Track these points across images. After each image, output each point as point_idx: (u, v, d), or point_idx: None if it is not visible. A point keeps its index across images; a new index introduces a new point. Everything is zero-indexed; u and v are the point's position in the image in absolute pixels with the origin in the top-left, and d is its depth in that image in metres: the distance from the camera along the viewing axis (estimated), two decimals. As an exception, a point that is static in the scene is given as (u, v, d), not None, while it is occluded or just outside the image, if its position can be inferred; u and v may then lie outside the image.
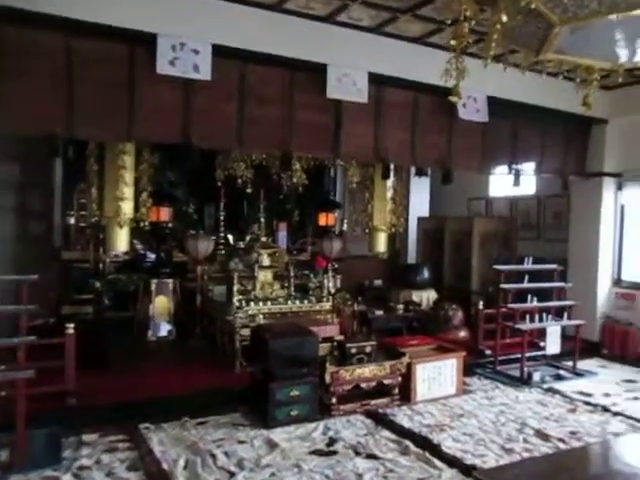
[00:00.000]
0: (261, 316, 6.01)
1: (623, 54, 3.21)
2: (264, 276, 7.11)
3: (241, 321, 5.84)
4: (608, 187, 7.43)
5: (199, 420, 4.62)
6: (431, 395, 5.32)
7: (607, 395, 5.52)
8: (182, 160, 4.92)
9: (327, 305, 6.89)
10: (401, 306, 7.62)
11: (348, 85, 5.37)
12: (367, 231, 8.03)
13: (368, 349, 5.07)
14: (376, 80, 5.64)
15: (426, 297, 8.02)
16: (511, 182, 7.00)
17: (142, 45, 4.60)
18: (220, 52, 4.83)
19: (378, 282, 9.72)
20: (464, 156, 6.37)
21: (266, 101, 5.22)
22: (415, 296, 7.92)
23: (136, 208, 6.88)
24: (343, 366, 4.91)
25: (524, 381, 5.89)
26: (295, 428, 4.52)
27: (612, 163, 7.38)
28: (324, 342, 5.79)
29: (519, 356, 6.10)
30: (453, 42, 3.24)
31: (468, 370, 6.24)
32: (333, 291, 7.06)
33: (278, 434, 4.40)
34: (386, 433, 4.48)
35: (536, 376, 5.94)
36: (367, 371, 5.00)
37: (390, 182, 7.91)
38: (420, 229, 10.21)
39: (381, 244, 8.22)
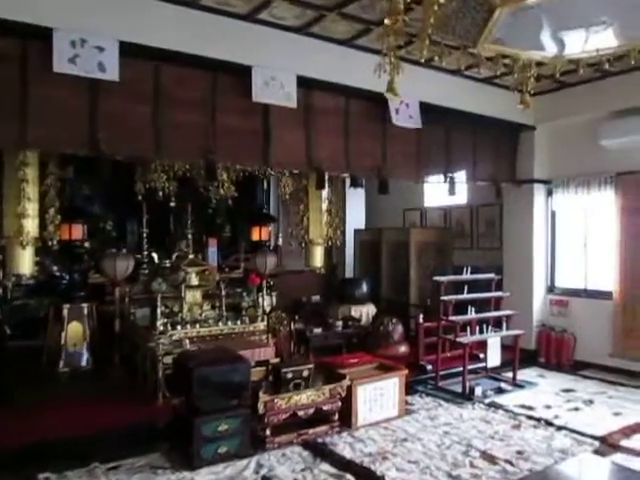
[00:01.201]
0: (187, 341, 5.48)
1: (559, 45, 3.02)
2: (192, 296, 6.59)
3: (164, 347, 5.28)
4: (539, 194, 7.45)
5: (111, 465, 4.04)
6: (373, 418, 4.98)
7: (548, 407, 5.38)
8: (93, 172, 4.34)
9: (262, 325, 6.45)
10: (340, 322, 7.29)
11: (275, 89, 5.01)
12: (302, 245, 7.65)
13: (305, 373, 4.66)
14: (305, 84, 5.32)
15: (365, 312, 7.73)
16: (446, 191, 6.86)
17: (37, 41, 4.05)
18: (130, 50, 4.36)
19: (316, 298, 9.33)
20: (399, 164, 6.16)
21: (185, 105, 4.77)
22: (354, 311, 7.61)
23: (43, 226, 6.22)
24: (278, 393, 4.48)
25: (466, 396, 5.67)
26: (224, 467, 4.03)
27: (542, 170, 7.41)
28: (258, 366, 5.40)
29: (460, 370, 5.89)
30: (387, 21, 2.90)
31: (409, 388, 5.96)
32: (268, 310, 6.63)
33: (204, 476, 3.90)
34: (325, 466, 4.08)
35: (478, 390, 5.74)
36: (305, 397, 4.59)
37: (325, 193, 7.60)
38: (357, 241, 9.98)
39: (317, 258, 7.85)
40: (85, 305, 6.45)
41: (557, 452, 4.28)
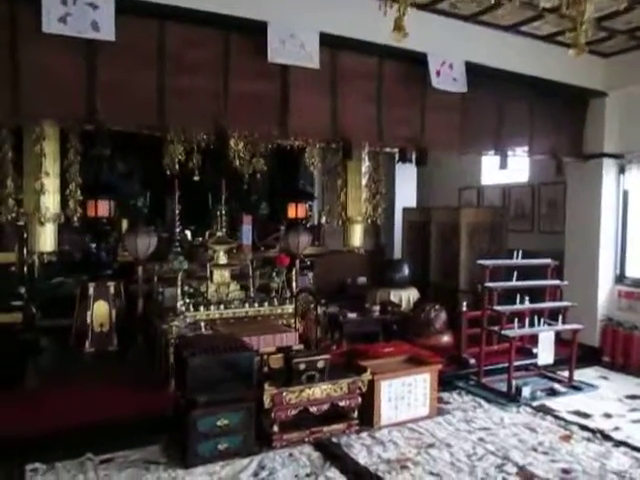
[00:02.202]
0: (202, 324, 5.13)
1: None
2: (220, 276, 6.25)
3: (178, 330, 4.97)
4: (609, 170, 6.49)
5: (105, 456, 3.76)
6: (398, 418, 4.45)
7: (608, 416, 4.63)
8: (92, 143, 4.02)
9: (291, 308, 6.03)
10: (377, 307, 6.75)
11: (295, 48, 4.48)
12: (339, 223, 7.14)
13: (320, 364, 4.19)
14: (330, 43, 4.74)
15: (406, 297, 7.13)
16: (506, 167, 6.09)
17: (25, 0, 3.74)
18: (129, 7, 3.97)
19: (362, 280, 8.83)
20: (441, 133, 5.47)
21: (194, 69, 4.34)
22: (393, 296, 7.03)
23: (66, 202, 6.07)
24: (288, 386, 4.04)
25: (511, 397, 5.01)
26: (221, 467, 3.66)
27: (613, 143, 6.42)
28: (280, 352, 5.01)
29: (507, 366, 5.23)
30: None
31: (448, 384, 5.39)
32: (296, 292, 6.18)
33: (197, 476, 3.55)
34: (334, 473, 3.62)
35: (525, 391, 5.05)
36: (318, 391, 4.12)
37: (365, 167, 7.03)
38: (405, 221, 9.33)
39: (357, 237, 7.31)
40: (112, 284, 6.28)
41: (612, 474, 3.59)
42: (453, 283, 7.89)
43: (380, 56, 5.07)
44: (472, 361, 5.67)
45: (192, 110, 4.36)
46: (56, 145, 5.50)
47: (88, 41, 3.94)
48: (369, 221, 7.11)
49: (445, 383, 5.37)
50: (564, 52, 5.83)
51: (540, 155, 6.27)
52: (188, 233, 7.37)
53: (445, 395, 5.12)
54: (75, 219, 5.75)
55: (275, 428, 3.97)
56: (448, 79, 5.22)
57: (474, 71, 5.34)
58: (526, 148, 6.03)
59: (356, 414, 4.29)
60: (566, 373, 5.52)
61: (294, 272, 6.29)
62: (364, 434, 4.21)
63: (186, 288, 5.95)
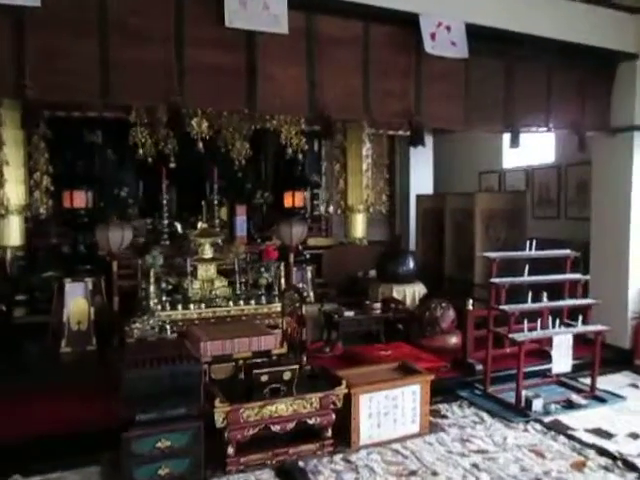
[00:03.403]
0: (168, 326, 4.64)
1: None
2: (205, 271, 5.77)
3: (140, 332, 4.49)
4: (641, 145, 5.64)
5: (35, 479, 3.31)
6: (382, 437, 3.84)
7: (635, 437, 3.89)
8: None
9: (279, 307, 5.49)
10: (378, 305, 6.13)
11: (257, 9, 3.88)
12: (339, 212, 6.55)
13: (287, 375, 3.62)
14: (305, 4, 4.13)
15: (411, 293, 6.48)
16: (517, 145, 5.34)
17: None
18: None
19: (374, 273, 8.20)
20: (440, 107, 4.78)
21: (141, 37, 3.79)
22: (396, 292, 6.39)
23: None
24: (246, 402, 3.49)
25: (520, 411, 4.32)
26: (161, 496, 3.15)
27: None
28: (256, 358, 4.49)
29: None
30: None
31: (450, 393, 4.75)
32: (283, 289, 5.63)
33: (128, 509, 3.04)
34: (289, 507, 3.06)
35: (537, 403, 4.35)
36: (283, 407, 3.56)
37: (365, 150, 6.40)
38: (419, 209, 8.63)
39: (359, 228, 6.76)
40: (89, 280, 5.88)
41: (630, 519, 2.91)
42: (468, 276, 7.19)
43: (365, 19, 4.41)
44: (479, 367, 5.00)
45: (140, 85, 3.81)
46: (18, 132, 5.10)
47: (15, 10, 3.45)
48: (371, 210, 6.47)
49: (447, 392, 4.75)
50: (587, 8, 5.12)
51: (559, 130, 5.48)
52: (178, 225, 6.89)
53: (444, 407, 4.48)
54: (42, 211, 5.36)
55: (230, 450, 3.43)
56: (445, 43, 4.52)
57: (477, 34, 4.62)
58: (542, 122, 5.25)
59: (330, 433, 3.70)
60: (589, 380, 4.79)
61: (283, 267, 5.73)
62: (338, 457, 3.63)
63: (164, 285, 5.50)
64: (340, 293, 7.75)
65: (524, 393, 4.45)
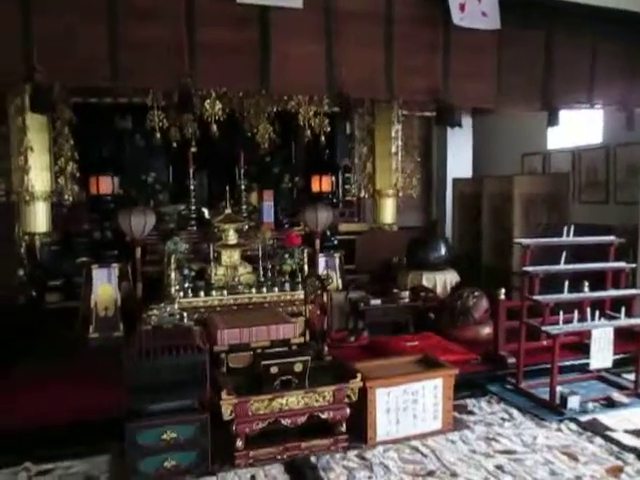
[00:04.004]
0: (185, 313, 4.55)
1: None
2: (229, 257, 5.68)
3: (157, 319, 4.42)
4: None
5: (46, 467, 3.30)
6: (400, 433, 3.64)
7: (681, 441, 3.56)
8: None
9: (302, 294, 5.35)
10: (406, 293, 5.89)
11: (270, -18, 3.68)
12: (366, 196, 6.32)
13: (298, 367, 3.47)
14: (321, -24, 3.90)
15: (442, 281, 6.20)
16: (556, 124, 4.96)
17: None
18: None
19: (409, 259, 7.95)
20: (470, 84, 4.45)
21: (151, 16, 3.65)
22: (426, 280, 6.12)
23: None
24: (257, 393, 3.37)
25: (553, 408, 4.03)
26: (167, 489, 3.08)
27: None
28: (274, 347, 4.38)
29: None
30: None
31: (479, 387, 4.49)
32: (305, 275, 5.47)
33: (132, 501, 2.98)
34: (295, 506, 2.92)
35: (573, 401, 4.04)
36: (294, 400, 3.41)
37: (394, 131, 6.12)
38: (455, 194, 8.29)
39: (388, 213, 6.48)
40: (116, 266, 5.90)
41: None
42: (506, 264, 6.84)
43: (388, -10, 4.14)
44: (511, 360, 4.70)
45: (150, 67, 3.69)
46: (43, 118, 5.10)
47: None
48: (400, 194, 6.21)
49: (475, 386, 4.50)
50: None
51: (604, 107, 5.05)
52: (205, 211, 6.82)
53: (471, 403, 4.24)
54: (66, 197, 5.38)
55: (239, 443, 3.31)
56: (475, 14, 4.20)
57: (512, 3, 4.27)
58: (585, 98, 4.84)
59: (344, 428, 3.53)
60: (632, 376, 4.43)
61: (306, 253, 5.57)
62: (352, 453, 3.46)
63: (186, 271, 5.44)
64: (373, 280, 7.56)
65: (559, 389, 4.15)
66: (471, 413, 4.06)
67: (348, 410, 3.51)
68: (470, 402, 4.24)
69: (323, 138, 5.49)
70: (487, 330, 5.46)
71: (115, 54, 3.61)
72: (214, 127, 5.05)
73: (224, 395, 3.23)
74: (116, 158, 6.53)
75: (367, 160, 6.09)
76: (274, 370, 3.40)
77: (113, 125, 7.26)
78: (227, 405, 3.24)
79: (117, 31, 3.60)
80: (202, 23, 3.74)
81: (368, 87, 4.24)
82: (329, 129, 5.42)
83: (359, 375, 3.51)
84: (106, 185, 5.88)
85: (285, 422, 3.38)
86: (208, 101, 4.63)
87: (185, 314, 4.53)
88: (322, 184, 6.55)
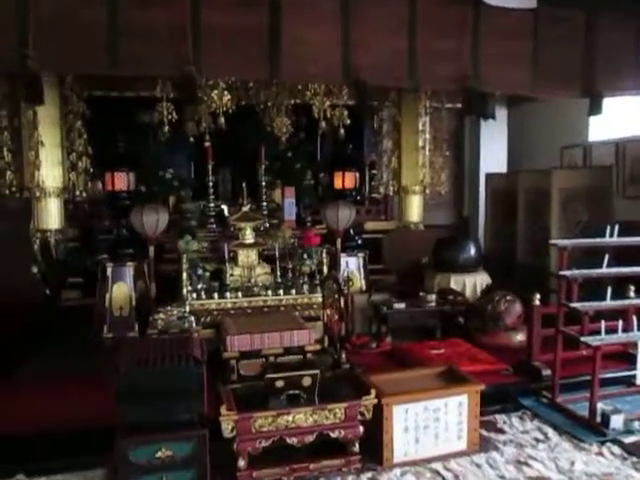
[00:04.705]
0: (193, 317, 4.32)
1: None
2: (246, 257, 5.44)
3: (163, 324, 4.22)
4: None
5: (38, 480, 3.11)
6: (420, 454, 3.31)
7: None
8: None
9: (320, 297, 5.07)
10: (433, 296, 5.52)
11: (279, -41, 3.39)
12: (391, 193, 5.97)
13: (307, 382, 3.18)
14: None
15: (471, 283, 5.80)
16: (597, 113, 4.53)
17: None
18: None
19: (439, 259, 7.55)
20: (502, 69, 4.09)
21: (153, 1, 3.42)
22: (455, 282, 5.74)
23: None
24: (259, 410, 3.09)
25: (594, 427, 3.62)
26: (160, 511, 2.83)
27: None
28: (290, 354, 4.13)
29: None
30: None
31: (511, 401, 4.10)
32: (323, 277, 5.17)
33: (121, 525, 2.75)
34: (297, 538, 2.63)
35: (616, 420, 3.61)
36: (302, 418, 3.12)
37: (422, 124, 5.75)
38: (489, 189, 7.83)
39: (414, 211, 6.14)
40: (131, 264, 5.72)
41: None
42: (543, 265, 6.38)
43: (409, -33, 3.80)
44: (546, 371, 4.29)
45: (152, 53, 3.47)
46: (55, 111, 4.96)
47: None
48: (427, 191, 5.84)
49: (506, 400, 4.12)
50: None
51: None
52: (225, 208, 6.59)
53: (501, 419, 3.86)
54: (78, 193, 5.22)
55: (241, 462, 3.04)
56: (508, -9, 3.81)
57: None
58: (631, 85, 4.38)
59: (357, 448, 3.22)
60: (686, 394, 3.98)
61: (324, 253, 5.27)
62: (365, 476, 3.15)
63: (200, 271, 5.22)
64: (401, 281, 7.21)
65: (600, 406, 3.73)
66: (500, 431, 3.69)
67: (361, 429, 3.19)
68: (500, 418, 3.87)
69: (342, 131, 5.17)
70: (520, 337, 5.06)
71: (115, 40, 3.39)
72: (221, 120, 4.79)
73: (223, 410, 2.96)
74: (134, 153, 6.34)
75: (392, 155, 5.74)
76: (280, 384, 3.12)
77: (132, 119, 7.08)
78: (227, 421, 2.97)
79: (117, 15, 3.38)
80: (207, 5, 3.49)
81: (388, 74, 3.90)
82: (349, 121, 5.09)
83: (373, 391, 3.19)
84: (121, 181, 5.70)
85: (291, 441, 3.09)
86: (216, 91, 4.37)
87: (193, 318, 4.30)
88: (345, 180, 6.23)
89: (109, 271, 5.66)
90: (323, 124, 5.11)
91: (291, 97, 5.21)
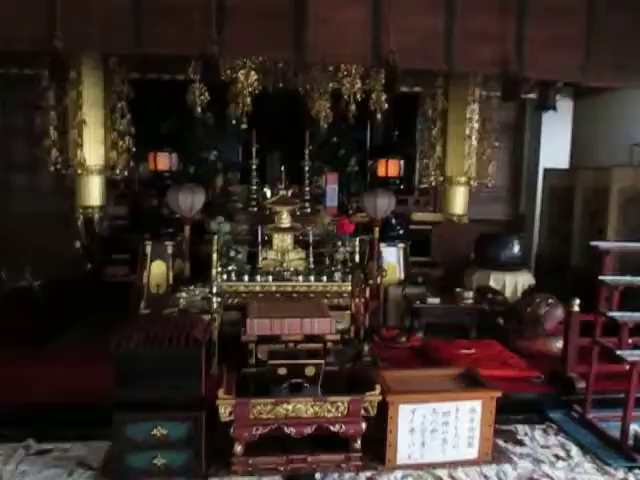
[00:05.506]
0: (215, 298, 4.30)
1: None
2: (281, 241, 5.40)
3: (185, 303, 4.25)
4: None
5: (46, 446, 3.22)
6: (426, 458, 3.15)
7: None
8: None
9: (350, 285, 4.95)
10: (470, 294, 5.26)
11: None
12: (433, 183, 5.73)
13: (310, 371, 3.09)
14: None
15: (512, 282, 5.47)
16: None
17: None
18: None
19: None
20: (549, 53, 3.77)
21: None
22: (494, 281, 5.43)
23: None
24: (258, 396, 3.04)
25: (624, 450, 3.30)
26: (152, 489, 2.85)
27: None
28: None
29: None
30: None
31: (538, 412, 3.84)
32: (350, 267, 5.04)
33: (113, 497, 2.79)
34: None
35: (651, 445, 3.30)
36: (302, 408, 3.04)
37: (469, 112, 5.45)
38: (546, 186, 7.38)
39: (458, 203, 5.84)
40: (169, 243, 5.83)
41: None
42: (599, 269, 5.92)
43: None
44: (581, 384, 3.97)
45: (175, 33, 3.45)
46: (99, 91, 5.09)
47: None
48: (472, 183, 5.54)
49: (532, 410, 3.87)
50: None
51: None
52: (268, 191, 6.56)
53: (522, 430, 3.62)
54: (118, 172, 5.35)
55: (238, 448, 3.01)
56: (559, -34, 3.49)
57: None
58: None
59: (358, 445, 3.10)
60: None
61: (357, 241, 5.13)
62: (364, 475, 3.03)
63: (232, 253, 5.23)
64: (447, 275, 6.96)
65: (635, 428, 3.41)
66: (519, 443, 3.45)
67: (364, 425, 3.07)
68: (521, 429, 3.63)
69: (380, 116, 4.97)
70: (559, 344, 4.71)
71: (138, 19, 3.40)
72: (247, 100, 4.72)
73: (221, 394, 2.93)
74: (179, 135, 6.44)
75: (437, 143, 5.48)
76: (282, 371, 3.05)
77: (179, 101, 7.18)
78: (225, 405, 2.94)
79: (142, -4, 3.38)
80: (233, -16, 3.41)
81: (421, 56, 3.70)
82: (386, 106, 4.88)
83: (378, 387, 3.05)
84: (164, 162, 5.79)
85: (289, 430, 3.02)
86: (242, 72, 4.31)
87: (219, 299, 4.29)
88: (389, 168, 6.02)
89: (148, 249, 5.80)
90: (353, 107, 4.92)
91: (332, 81, 5.06)
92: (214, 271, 4.89)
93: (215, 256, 4.92)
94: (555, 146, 7.96)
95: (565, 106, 7.55)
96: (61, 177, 5.45)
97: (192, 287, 4.41)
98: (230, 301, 4.82)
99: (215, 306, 4.24)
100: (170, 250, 5.81)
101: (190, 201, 5.21)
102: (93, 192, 5.27)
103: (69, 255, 5.73)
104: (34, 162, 6.17)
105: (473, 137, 5.37)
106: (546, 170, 7.40)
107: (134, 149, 5.51)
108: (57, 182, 5.80)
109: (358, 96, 4.80)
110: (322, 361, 3.13)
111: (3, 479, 2.90)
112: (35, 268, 5.29)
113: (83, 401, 3.59)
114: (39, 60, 4.23)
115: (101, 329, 5.10)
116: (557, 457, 3.29)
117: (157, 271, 5.82)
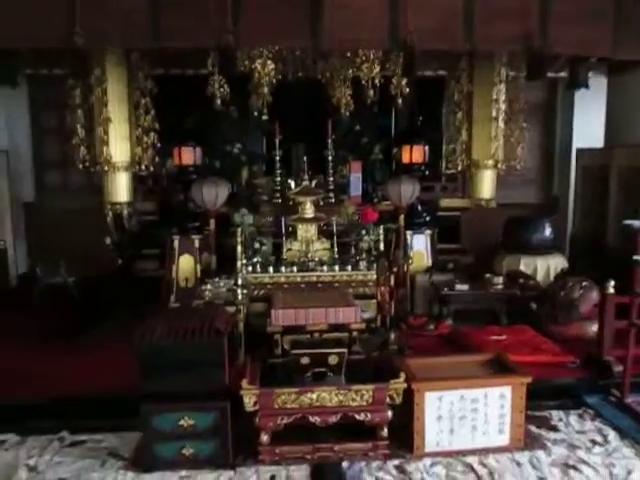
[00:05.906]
0: (239, 290, 4.31)
1: None
2: (305, 232, 5.39)
3: (211, 295, 4.28)
4: None
5: (79, 438, 3.30)
6: (455, 445, 3.10)
7: None
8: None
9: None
10: (500, 279, 5.15)
11: None
12: (459, 168, 5.61)
13: (333, 360, 3.08)
14: None
15: (544, 267, 5.32)
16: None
17: None
18: None
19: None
20: (575, 27, 3.62)
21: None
22: (525, 265, 5.29)
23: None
24: (283, 385, 3.04)
25: (663, 436, 3.19)
26: (181, 478, 2.88)
27: None
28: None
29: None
30: None
31: (573, 397, 3.74)
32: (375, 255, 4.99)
33: (144, 485, 2.83)
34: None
35: (693, 429, 3.17)
36: (326, 397, 3.02)
37: (495, 93, 5.31)
38: (579, 167, 7.14)
39: (486, 187, 5.73)
40: (196, 237, 5.88)
41: None
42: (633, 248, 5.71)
43: None
44: (618, 368, 3.84)
45: (191, 25, 3.45)
46: (123, 87, 5.16)
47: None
48: (499, 166, 5.41)
49: (567, 395, 3.77)
50: None
51: None
52: (292, 182, 6.55)
53: (557, 415, 3.53)
54: (144, 167, 5.42)
55: (264, 438, 3.02)
56: None
57: None
58: None
59: (385, 433, 3.07)
60: None
61: (380, 230, 5.08)
62: (392, 463, 3.00)
63: (257, 245, 5.26)
64: (478, 262, 6.83)
65: (675, 412, 3.28)
66: (553, 429, 3.36)
67: (389, 413, 3.03)
68: (556, 415, 3.53)
69: (400, 101, 4.88)
70: (594, 328, 4.57)
71: (156, 13, 3.41)
72: (265, 90, 4.69)
73: (245, 384, 2.94)
74: (203, 129, 6.47)
75: (462, 127, 5.36)
76: (305, 361, 3.04)
77: (202, 96, 7.23)
78: (249, 395, 2.95)
79: (158, -11, 3.39)
80: (247, -28, 3.38)
81: (441, 36, 3.61)
82: (407, 90, 4.78)
83: (402, 375, 3.01)
84: (189, 156, 5.83)
85: (314, 419, 3.01)
86: (259, 61, 4.29)
87: (244, 290, 4.31)
88: (413, 155, 5.93)
89: (175, 243, 5.87)
90: (372, 93, 4.84)
91: (351, 67, 4.99)
92: (239, 263, 4.91)
93: (240, 248, 4.94)
94: (588, 125, 7.67)
95: (598, 83, 7.27)
96: (90, 174, 5.57)
97: (217, 279, 4.44)
98: (256, 293, 4.84)
99: (240, 298, 4.25)
100: (197, 244, 5.87)
101: (214, 194, 5.24)
102: (120, 188, 5.37)
103: (101, 251, 5.83)
104: (65, 161, 6.34)
105: (500, 119, 5.24)
106: (579, 150, 7.16)
107: (159, 145, 5.58)
108: (87, 179, 5.91)
109: (377, 81, 4.71)
110: (345, 350, 3.10)
111: (39, 470, 2.98)
112: (69, 264, 5.42)
113: (115, 393, 3.66)
114: (65, 59, 4.29)
115: (133, 323, 5.26)
116: (594, 442, 3.19)
117: (185, 265, 5.88)
